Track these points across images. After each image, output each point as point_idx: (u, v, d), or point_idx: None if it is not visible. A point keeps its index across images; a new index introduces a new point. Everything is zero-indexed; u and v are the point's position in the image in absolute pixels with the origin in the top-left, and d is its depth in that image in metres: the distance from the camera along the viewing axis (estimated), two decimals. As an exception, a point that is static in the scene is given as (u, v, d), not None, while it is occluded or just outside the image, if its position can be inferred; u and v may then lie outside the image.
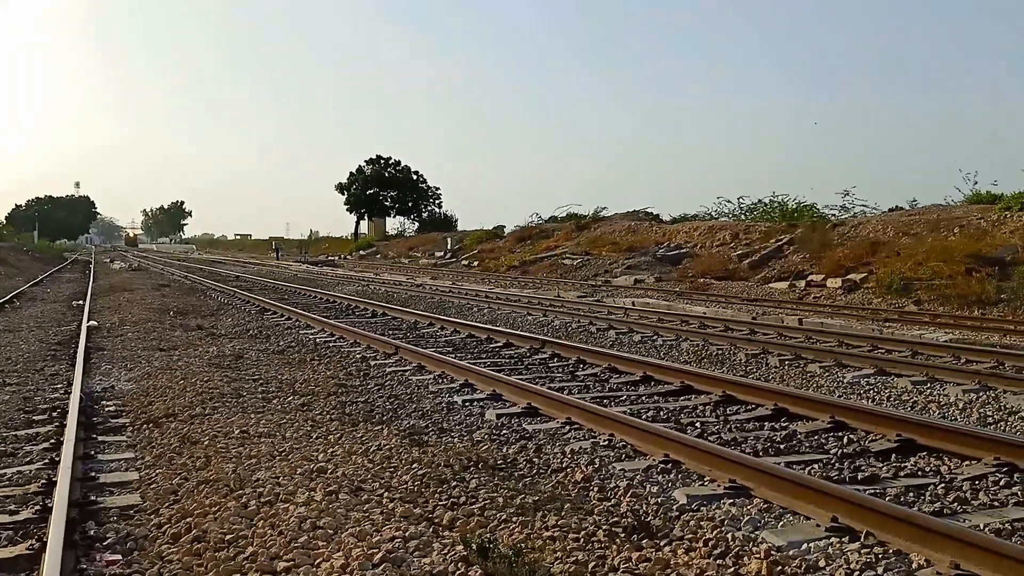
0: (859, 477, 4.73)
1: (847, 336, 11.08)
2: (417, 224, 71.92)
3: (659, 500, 4.35)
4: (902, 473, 4.86)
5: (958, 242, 18.62)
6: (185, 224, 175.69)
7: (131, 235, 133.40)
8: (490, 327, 12.00)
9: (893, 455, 5.19)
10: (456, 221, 69.87)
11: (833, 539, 3.73)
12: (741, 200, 33.71)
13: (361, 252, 59.42)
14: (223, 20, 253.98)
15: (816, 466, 5.00)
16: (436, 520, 3.98)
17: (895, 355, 9.57)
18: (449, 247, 47.74)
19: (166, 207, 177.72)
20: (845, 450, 5.32)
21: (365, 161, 73.68)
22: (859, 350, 9.99)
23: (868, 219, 24.89)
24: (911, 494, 4.45)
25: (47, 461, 5.23)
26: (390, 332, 11.96)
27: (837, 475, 4.79)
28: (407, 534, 3.76)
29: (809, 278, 20.67)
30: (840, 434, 5.71)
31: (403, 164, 73.71)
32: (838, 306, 16.85)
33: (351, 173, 73.71)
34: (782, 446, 5.48)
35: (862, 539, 3.70)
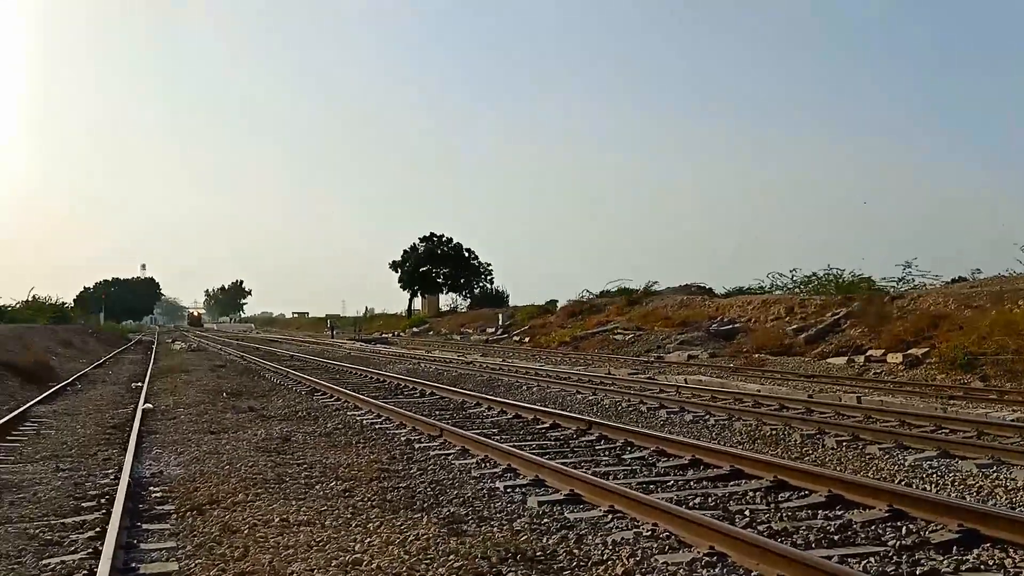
0: (917, 572, 4.49)
1: (908, 415, 10.69)
2: (469, 300, 72.57)
3: (703, 597, 4.17)
4: (964, 567, 4.59)
5: (1023, 314, 17.98)
6: (244, 303, 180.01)
7: (195, 314, 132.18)
8: (537, 407, 11.88)
9: (955, 547, 4.92)
10: (508, 296, 70.44)
11: (888, 644, 3.51)
12: (794, 273, 33.27)
13: (414, 329, 59.97)
14: (277, 99, 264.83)
15: (872, 559, 4.76)
16: (470, 618, 3.87)
17: (959, 436, 9.19)
18: (501, 323, 47.91)
19: (226, 287, 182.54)
20: (903, 541, 5.06)
21: (419, 239, 75.23)
22: (921, 430, 9.63)
23: (928, 291, 24.28)
24: (974, 592, 4.20)
25: (91, 551, 5.26)
26: (436, 413, 11.93)
27: (894, 570, 4.55)
28: (438, 634, 3.65)
29: (868, 353, 20.13)
30: (898, 523, 5.44)
31: (455, 241, 74.99)
32: (899, 382, 16.32)
33: (405, 251, 75.21)
34: (836, 537, 5.23)
35: (919, 644, 3.47)
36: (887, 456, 8.22)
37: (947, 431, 9.61)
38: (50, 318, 48.74)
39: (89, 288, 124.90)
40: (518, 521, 5.73)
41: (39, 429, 11.45)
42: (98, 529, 5.72)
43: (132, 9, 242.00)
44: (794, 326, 25.11)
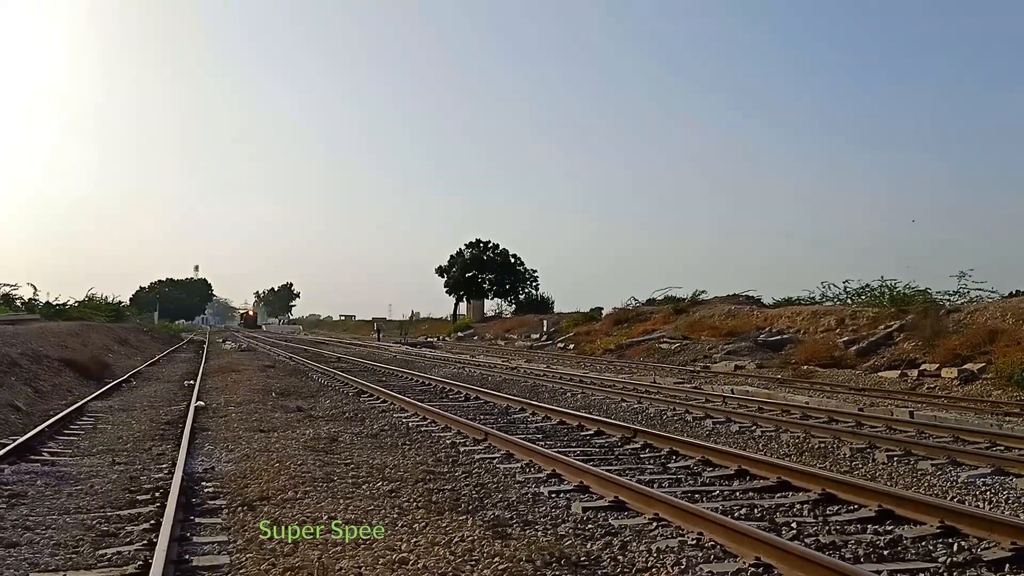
0: (970, 590, 4.40)
1: (962, 431, 10.45)
2: (514, 306, 72.68)
3: (748, 607, 4.15)
4: (1018, 587, 4.50)
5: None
6: (293, 305, 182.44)
7: (250, 314, 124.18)
8: (582, 414, 11.88)
9: (1007, 565, 4.82)
10: (553, 303, 70.38)
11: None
12: (847, 284, 32.65)
13: (459, 333, 60.29)
14: (328, 107, 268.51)
15: (922, 575, 4.68)
16: (514, 619, 3.90)
17: (1015, 453, 8.96)
18: (545, 329, 47.90)
19: (276, 289, 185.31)
20: (955, 558, 4.97)
21: (464, 245, 75.59)
22: (975, 447, 9.41)
23: (985, 305, 23.66)
24: (1029, 612, 4.10)
25: (146, 542, 5.41)
26: (481, 417, 12.00)
27: (945, 587, 4.47)
28: (483, 634, 3.69)
29: (922, 367, 19.70)
30: (950, 540, 5.35)
31: (501, 247, 75.15)
32: (954, 398, 15.94)
33: (451, 256, 75.63)
34: (885, 552, 5.16)
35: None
36: (939, 472, 8.06)
37: (1002, 448, 9.39)
38: (107, 316, 50.01)
39: (144, 288, 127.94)
40: (562, 526, 5.75)
41: (96, 424, 11.80)
42: (153, 522, 5.89)
43: (194, 11, 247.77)
44: (845, 338, 24.68)
